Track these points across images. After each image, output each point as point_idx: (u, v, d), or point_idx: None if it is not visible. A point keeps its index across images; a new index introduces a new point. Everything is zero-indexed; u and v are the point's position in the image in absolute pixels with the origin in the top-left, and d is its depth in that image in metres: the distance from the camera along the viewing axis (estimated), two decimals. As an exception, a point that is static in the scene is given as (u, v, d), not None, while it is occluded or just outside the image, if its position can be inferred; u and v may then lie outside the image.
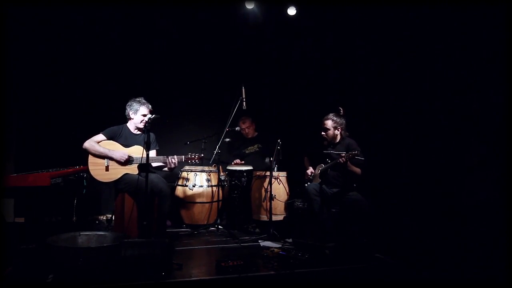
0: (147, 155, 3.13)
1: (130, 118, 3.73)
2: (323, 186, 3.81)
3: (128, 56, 5.00)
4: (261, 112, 5.09)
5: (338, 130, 3.86)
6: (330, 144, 3.93)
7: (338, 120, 3.83)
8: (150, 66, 5.12)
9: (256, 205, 4.41)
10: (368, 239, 3.52)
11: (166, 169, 3.71)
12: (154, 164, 3.73)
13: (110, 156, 3.52)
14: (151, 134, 3.82)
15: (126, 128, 3.76)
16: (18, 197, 3.59)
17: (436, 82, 3.73)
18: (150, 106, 3.74)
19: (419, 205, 3.75)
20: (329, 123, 3.86)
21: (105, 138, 3.60)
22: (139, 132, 3.78)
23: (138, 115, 3.68)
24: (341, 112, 3.87)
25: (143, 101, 3.72)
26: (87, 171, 3.56)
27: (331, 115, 3.86)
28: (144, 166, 3.15)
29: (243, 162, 4.84)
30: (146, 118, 3.54)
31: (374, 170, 3.82)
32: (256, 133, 5.04)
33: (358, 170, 3.64)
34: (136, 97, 3.74)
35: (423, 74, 3.87)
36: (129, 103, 3.72)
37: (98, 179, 3.53)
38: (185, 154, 3.66)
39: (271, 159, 4.09)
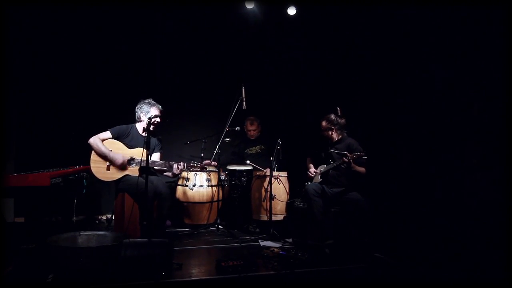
0: (147, 155, 3.12)
1: (140, 120, 3.73)
2: (323, 186, 3.81)
3: (128, 56, 5.00)
4: (261, 112, 5.09)
5: (332, 131, 3.86)
6: (329, 144, 3.93)
7: (333, 120, 3.83)
8: (150, 66, 5.12)
9: (256, 205, 4.41)
10: (368, 239, 3.52)
11: (169, 174, 3.68)
12: (156, 167, 3.72)
13: (111, 159, 3.53)
14: (158, 137, 3.86)
15: (134, 128, 3.76)
16: (18, 197, 3.59)
17: (436, 82, 3.73)
18: (160, 107, 3.73)
19: (419, 205, 3.75)
20: (323, 124, 3.88)
21: (111, 136, 3.61)
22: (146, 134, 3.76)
23: (149, 116, 3.65)
24: (339, 112, 3.86)
25: (153, 102, 3.72)
26: (88, 167, 3.57)
27: (327, 116, 3.87)
28: (145, 169, 3.14)
29: (215, 162, 4.51)
30: (157, 119, 3.58)
31: (374, 170, 3.82)
32: (259, 134, 5.03)
33: (362, 169, 3.63)
34: (144, 99, 3.74)
35: (423, 73, 3.87)
36: (139, 106, 3.72)
37: (98, 177, 3.53)
38: (188, 162, 3.67)
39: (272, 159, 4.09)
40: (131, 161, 3.58)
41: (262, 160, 4.74)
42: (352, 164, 3.52)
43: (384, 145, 4.17)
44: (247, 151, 4.95)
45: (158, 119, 3.62)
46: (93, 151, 3.54)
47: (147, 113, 3.66)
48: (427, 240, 3.52)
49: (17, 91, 4.47)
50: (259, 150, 4.93)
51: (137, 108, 3.73)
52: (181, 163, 3.60)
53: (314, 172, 4.02)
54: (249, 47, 5.36)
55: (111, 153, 3.53)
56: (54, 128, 4.69)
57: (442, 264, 3.13)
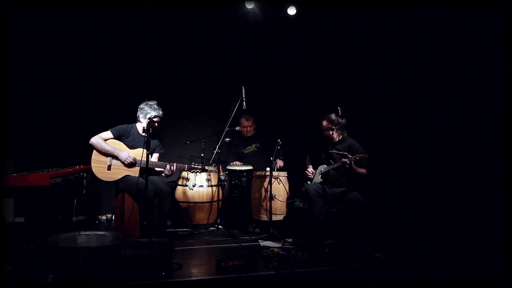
0: (147, 155, 3.13)
1: (139, 121, 3.73)
2: (324, 186, 3.81)
3: (128, 56, 4.99)
4: (261, 112, 5.09)
5: (333, 130, 3.85)
6: (329, 144, 3.92)
7: (334, 120, 3.82)
8: (150, 66, 5.12)
9: (256, 205, 4.41)
10: (368, 239, 3.52)
11: (162, 174, 3.71)
12: (156, 168, 3.72)
13: (116, 156, 3.52)
14: (158, 138, 3.86)
15: (135, 128, 3.77)
16: (18, 197, 3.59)
17: (436, 83, 3.73)
18: (161, 112, 3.69)
19: (419, 205, 3.75)
20: (324, 123, 3.87)
21: (112, 136, 3.61)
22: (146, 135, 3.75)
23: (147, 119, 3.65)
24: (339, 112, 3.86)
25: (155, 106, 3.68)
26: (89, 167, 3.57)
27: (327, 115, 3.86)
28: (145, 169, 3.15)
29: (242, 163, 4.84)
30: (155, 119, 3.58)
31: (375, 171, 3.82)
32: (254, 132, 5.04)
33: (363, 170, 3.62)
34: (149, 100, 3.71)
35: (423, 74, 3.87)
36: (141, 106, 3.70)
37: (99, 177, 3.54)
38: (188, 162, 3.67)
39: (272, 159, 4.10)
40: (135, 161, 3.58)
41: (260, 158, 4.74)
42: (353, 166, 3.52)
43: (384, 145, 4.16)
44: (244, 150, 4.96)
45: (156, 119, 3.61)
46: (94, 151, 3.54)
47: (146, 115, 3.65)
48: (427, 240, 3.52)
49: (17, 90, 4.47)
50: (255, 148, 4.93)
51: (139, 107, 3.72)
52: (174, 164, 3.61)
53: (312, 172, 4.02)
54: (249, 47, 5.36)
55: (117, 150, 3.53)
56: (54, 128, 4.69)
57: (442, 264, 3.13)
